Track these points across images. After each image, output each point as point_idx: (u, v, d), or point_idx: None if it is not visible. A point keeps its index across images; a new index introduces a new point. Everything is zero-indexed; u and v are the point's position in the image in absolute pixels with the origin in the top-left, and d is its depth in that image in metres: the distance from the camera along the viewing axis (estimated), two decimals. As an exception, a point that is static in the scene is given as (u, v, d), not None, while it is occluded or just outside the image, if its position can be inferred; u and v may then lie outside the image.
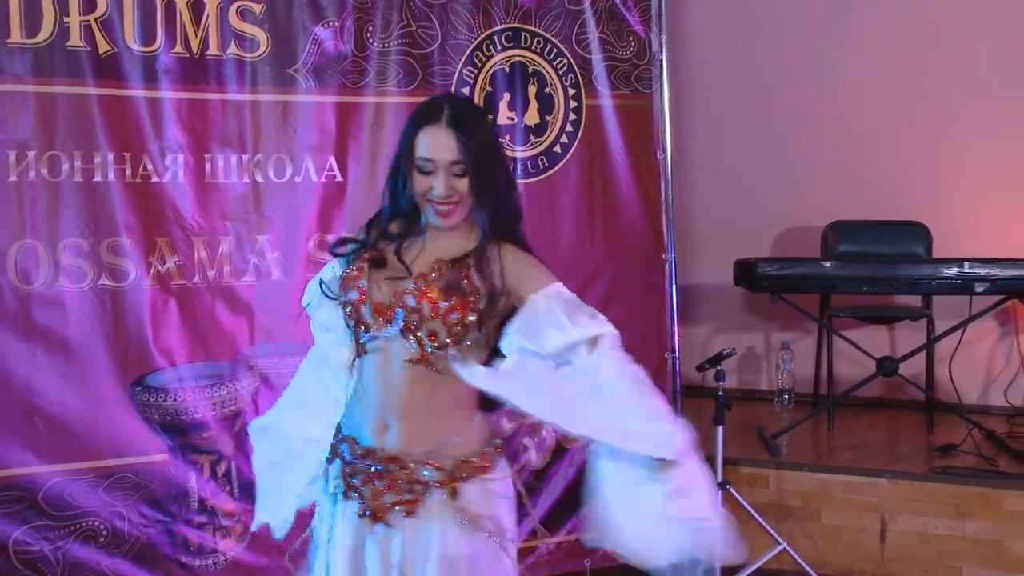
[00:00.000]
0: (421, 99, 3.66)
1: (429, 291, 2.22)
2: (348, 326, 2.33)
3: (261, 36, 3.53)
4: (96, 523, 3.40)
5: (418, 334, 2.22)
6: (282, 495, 2.50)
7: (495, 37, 3.86)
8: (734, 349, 4.27)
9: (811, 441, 5.10)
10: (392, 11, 3.70)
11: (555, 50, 3.95)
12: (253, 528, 2.64)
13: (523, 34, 3.90)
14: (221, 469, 3.55)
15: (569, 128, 3.99)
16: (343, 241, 2.41)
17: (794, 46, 5.97)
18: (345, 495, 2.32)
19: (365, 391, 2.32)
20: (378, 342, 2.28)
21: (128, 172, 3.39)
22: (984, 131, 5.65)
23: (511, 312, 2.26)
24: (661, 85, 4.13)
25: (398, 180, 2.30)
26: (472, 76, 3.83)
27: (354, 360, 2.38)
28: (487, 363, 2.29)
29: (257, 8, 3.51)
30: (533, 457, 3.98)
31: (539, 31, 3.92)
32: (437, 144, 2.22)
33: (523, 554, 3.98)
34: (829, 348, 5.49)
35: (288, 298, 3.58)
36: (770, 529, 4.19)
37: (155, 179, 3.44)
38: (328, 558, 2.37)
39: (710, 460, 4.17)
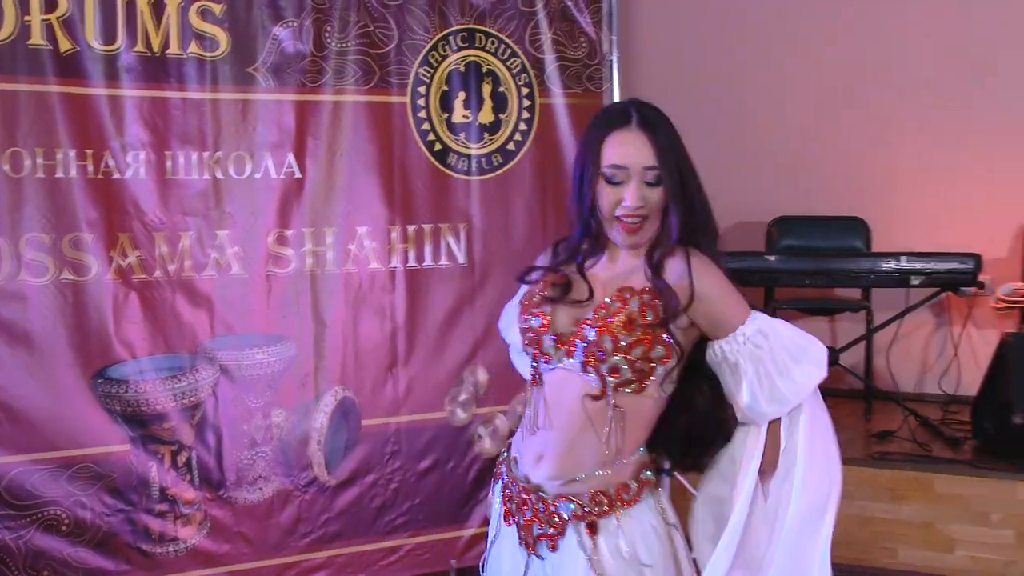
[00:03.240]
0: (378, 98, 3.78)
1: (611, 326, 2.00)
2: (526, 352, 2.16)
3: (221, 36, 3.55)
4: (58, 512, 3.40)
5: (600, 370, 2.01)
6: None
7: (450, 37, 3.91)
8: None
9: (755, 429, 5.20)
10: (350, 11, 3.72)
11: (509, 50, 4.00)
12: None
13: (477, 34, 3.95)
14: (182, 459, 3.57)
15: (523, 126, 4.04)
16: (532, 269, 2.20)
17: (739, 45, 6.07)
18: (506, 519, 2.20)
19: (533, 420, 2.13)
20: (556, 373, 2.09)
21: (90, 169, 3.39)
22: (920, 135, 5.78)
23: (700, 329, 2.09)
24: (612, 85, 4.19)
25: (583, 195, 2.08)
26: (428, 75, 3.87)
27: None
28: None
29: (217, 8, 3.54)
30: (487, 445, 4.06)
31: (493, 32, 3.97)
32: (628, 149, 2.03)
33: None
34: (773, 339, 5.60)
35: (248, 292, 3.62)
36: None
37: (116, 176, 3.44)
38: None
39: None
